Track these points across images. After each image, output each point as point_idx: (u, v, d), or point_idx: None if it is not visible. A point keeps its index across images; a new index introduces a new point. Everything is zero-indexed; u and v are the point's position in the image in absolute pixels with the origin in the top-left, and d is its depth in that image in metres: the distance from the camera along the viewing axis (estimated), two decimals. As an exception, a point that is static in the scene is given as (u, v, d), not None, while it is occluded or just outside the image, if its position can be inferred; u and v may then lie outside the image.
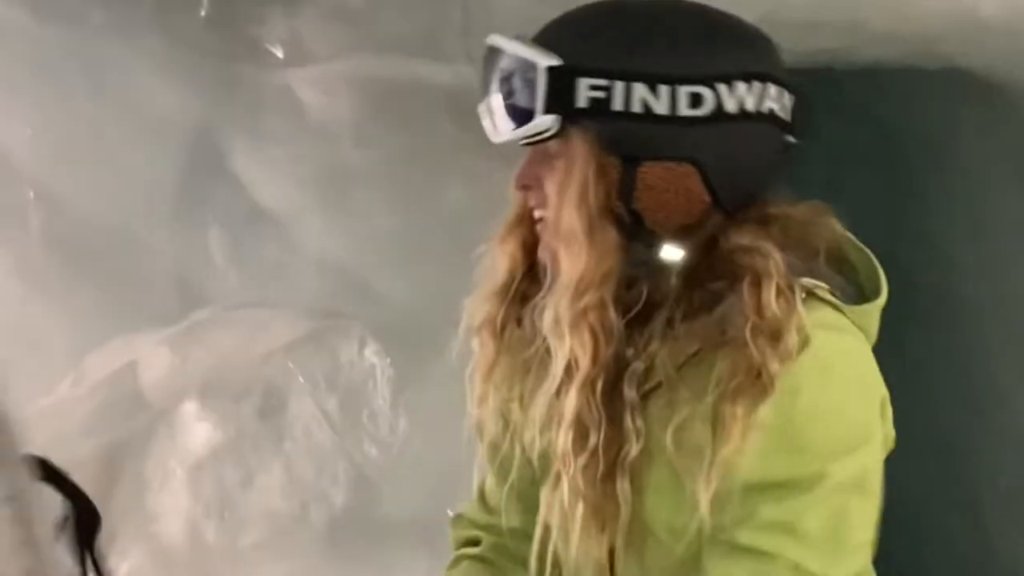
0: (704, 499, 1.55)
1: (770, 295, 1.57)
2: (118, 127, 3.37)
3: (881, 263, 2.51)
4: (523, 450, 1.78)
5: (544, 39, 1.64)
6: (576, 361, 1.62)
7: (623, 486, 1.63)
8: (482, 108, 1.68)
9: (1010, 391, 2.33)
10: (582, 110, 1.58)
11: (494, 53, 1.67)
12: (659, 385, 1.63)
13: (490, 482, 1.95)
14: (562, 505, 1.68)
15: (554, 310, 1.62)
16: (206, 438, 2.95)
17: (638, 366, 1.63)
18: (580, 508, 1.67)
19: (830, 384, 1.58)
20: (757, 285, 1.58)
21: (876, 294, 1.67)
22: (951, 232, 2.41)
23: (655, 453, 1.63)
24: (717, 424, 1.57)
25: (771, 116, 1.61)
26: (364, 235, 3.29)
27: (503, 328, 1.76)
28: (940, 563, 2.46)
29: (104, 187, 3.35)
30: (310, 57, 3.33)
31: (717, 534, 1.59)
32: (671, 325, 1.62)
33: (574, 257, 1.61)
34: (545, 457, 1.74)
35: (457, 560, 2.00)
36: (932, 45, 2.62)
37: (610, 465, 1.64)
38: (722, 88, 1.59)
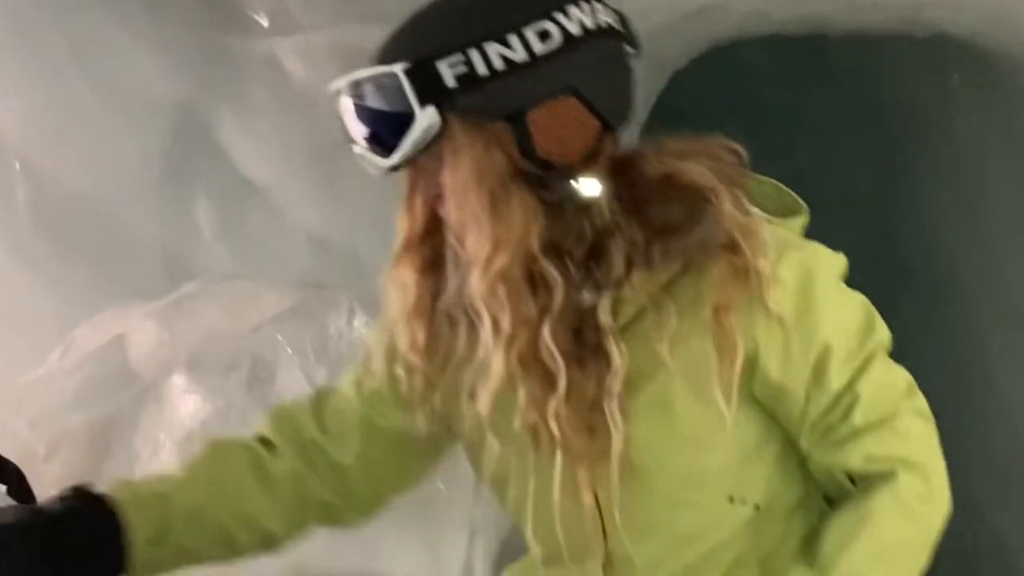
0: (729, 415, 1.70)
1: (728, 204, 1.69)
2: (103, 99, 3.36)
3: (872, 239, 2.52)
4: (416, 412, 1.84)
5: (383, 57, 1.71)
6: (497, 324, 1.68)
7: (612, 409, 1.69)
8: (358, 151, 1.74)
9: (1000, 368, 2.33)
10: (454, 91, 1.67)
11: (346, 92, 1.74)
12: (642, 312, 1.70)
13: (342, 405, 1.95)
14: (536, 465, 1.73)
15: (470, 289, 1.70)
16: (195, 410, 2.94)
17: (605, 301, 1.69)
18: (559, 457, 1.70)
19: (829, 281, 1.74)
20: (717, 198, 1.70)
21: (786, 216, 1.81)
22: (941, 204, 2.41)
23: (638, 382, 1.71)
24: (718, 337, 1.69)
25: (610, 29, 1.72)
26: (352, 206, 3.28)
27: (428, 347, 1.81)
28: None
29: (90, 160, 3.34)
30: (296, 26, 3.31)
31: (825, 437, 1.74)
32: (636, 248, 1.70)
33: (478, 235, 1.68)
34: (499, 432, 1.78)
35: (248, 446, 1.95)
36: (920, 11, 2.61)
37: (592, 400, 1.70)
38: (559, 16, 1.69)
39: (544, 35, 1.69)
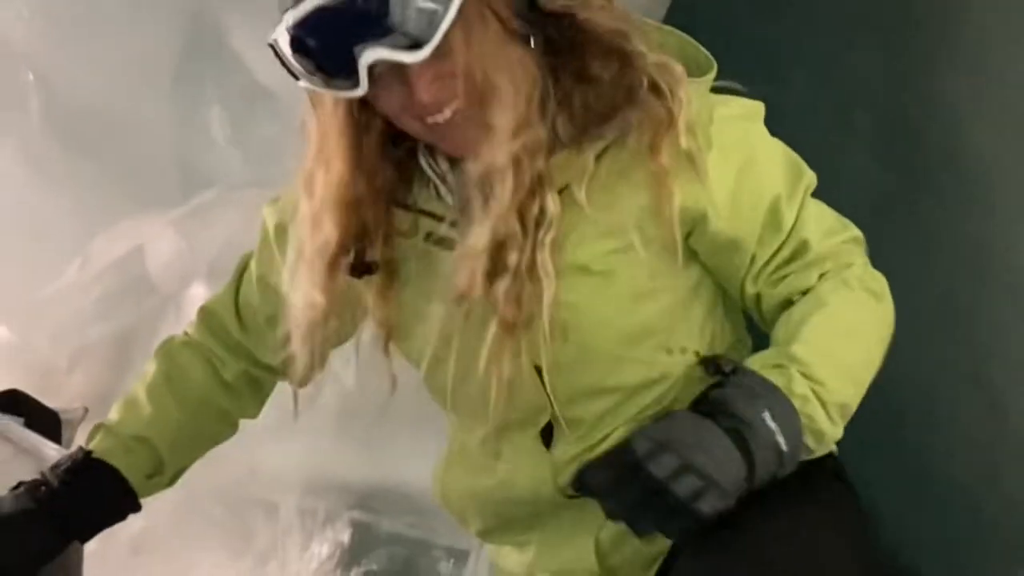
0: (677, 258, 1.75)
1: (641, 44, 1.72)
2: (116, 4, 3.31)
3: (889, 124, 2.48)
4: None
5: None
6: (500, 197, 1.69)
7: (544, 261, 1.71)
8: (366, 63, 1.65)
9: (1020, 254, 2.30)
10: None
11: (338, 7, 1.63)
12: (576, 176, 1.72)
13: (252, 300, 2.05)
14: (475, 337, 1.76)
15: (484, 165, 1.68)
16: (214, 320, 2.94)
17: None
18: (494, 328, 1.75)
19: (762, 131, 1.80)
20: (630, 39, 1.72)
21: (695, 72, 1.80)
22: (958, 89, 2.37)
23: (572, 245, 1.74)
24: (653, 184, 1.72)
25: None
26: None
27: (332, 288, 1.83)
28: (949, 431, 2.45)
29: (103, 67, 3.30)
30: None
31: (778, 275, 1.79)
32: (563, 93, 1.72)
33: (504, 104, 1.66)
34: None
35: (196, 355, 2.08)
36: None
37: (527, 262, 1.72)
38: None
39: None
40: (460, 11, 1.62)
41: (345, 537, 2.98)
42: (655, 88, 1.71)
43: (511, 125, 1.67)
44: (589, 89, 1.72)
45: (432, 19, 1.61)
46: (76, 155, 3.22)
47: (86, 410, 2.80)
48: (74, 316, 2.94)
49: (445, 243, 1.83)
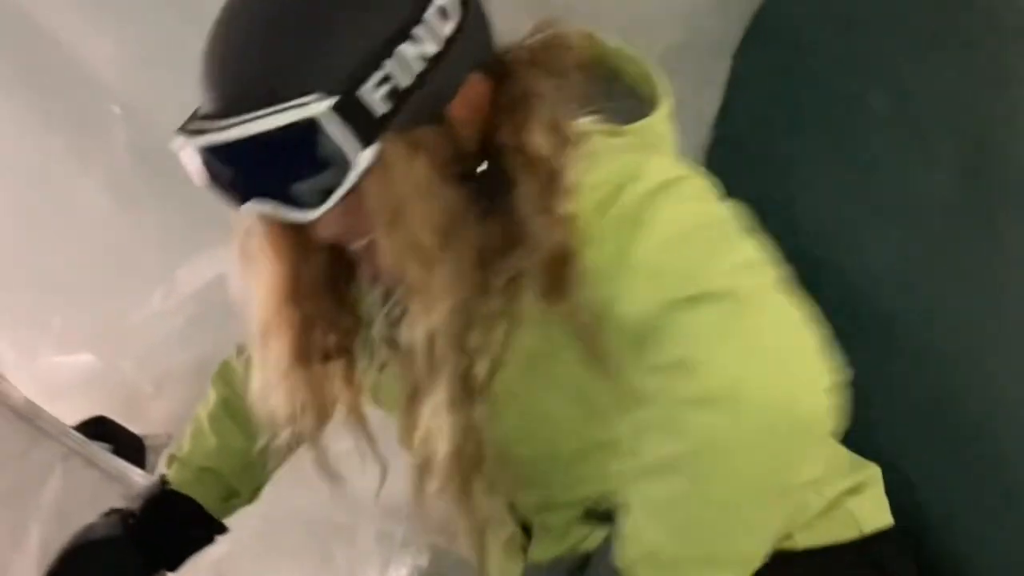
0: (616, 388, 1.45)
1: (536, 134, 1.44)
2: (199, 35, 3.36)
3: (973, 152, 2.45)
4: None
5: (273, 86, 1.43)
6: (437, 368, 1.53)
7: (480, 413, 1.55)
8: (253, 210, 1.51)
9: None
10: (383, 116, 1.41)
11: (227, 151, 1.50)
12: (494, 309, 1.52)
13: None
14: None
15: (425, 329, 1.46)
16: (295, 347, 2.97)
17: None
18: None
19: (664, 194, 1.43)
20: (521, 126, 1.44)
21: (655, 103, 1.57)
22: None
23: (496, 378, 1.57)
24: (567, 328, 1.46)
25: None
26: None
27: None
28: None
29: (188, 100, 3.34)
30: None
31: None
32: (488, 238, 1.50)
33: (423, 266, 1.44)
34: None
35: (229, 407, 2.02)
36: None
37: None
38: None
39: (444, 13, 1.45)
40: (380, 155, 1.43)
41: (423, 561, 2.98)
42: (546, 211, 1.43)
43: (434, 287, 1.46)
44: (498, 222, 1.47)
45: (329, 183, 1.46)
46: (161, 186, 3.26)
47: (170, 436, 2.84)
48: (159, 343, 2.98)
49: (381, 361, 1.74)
